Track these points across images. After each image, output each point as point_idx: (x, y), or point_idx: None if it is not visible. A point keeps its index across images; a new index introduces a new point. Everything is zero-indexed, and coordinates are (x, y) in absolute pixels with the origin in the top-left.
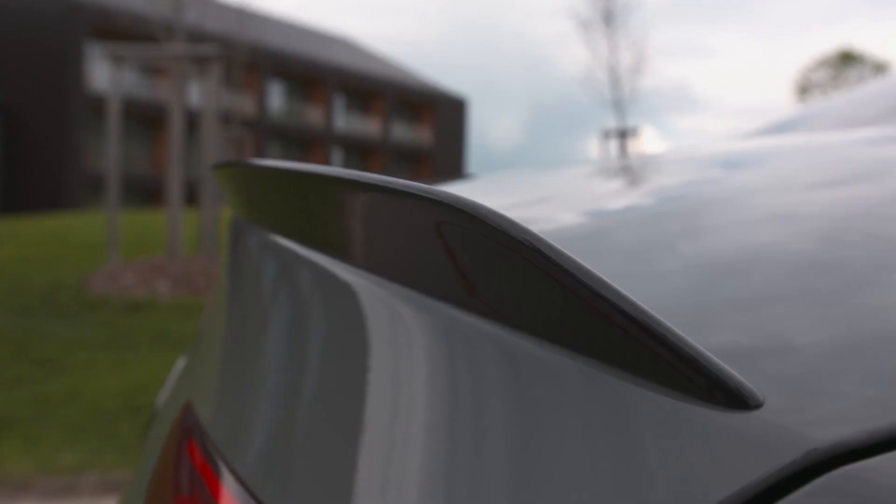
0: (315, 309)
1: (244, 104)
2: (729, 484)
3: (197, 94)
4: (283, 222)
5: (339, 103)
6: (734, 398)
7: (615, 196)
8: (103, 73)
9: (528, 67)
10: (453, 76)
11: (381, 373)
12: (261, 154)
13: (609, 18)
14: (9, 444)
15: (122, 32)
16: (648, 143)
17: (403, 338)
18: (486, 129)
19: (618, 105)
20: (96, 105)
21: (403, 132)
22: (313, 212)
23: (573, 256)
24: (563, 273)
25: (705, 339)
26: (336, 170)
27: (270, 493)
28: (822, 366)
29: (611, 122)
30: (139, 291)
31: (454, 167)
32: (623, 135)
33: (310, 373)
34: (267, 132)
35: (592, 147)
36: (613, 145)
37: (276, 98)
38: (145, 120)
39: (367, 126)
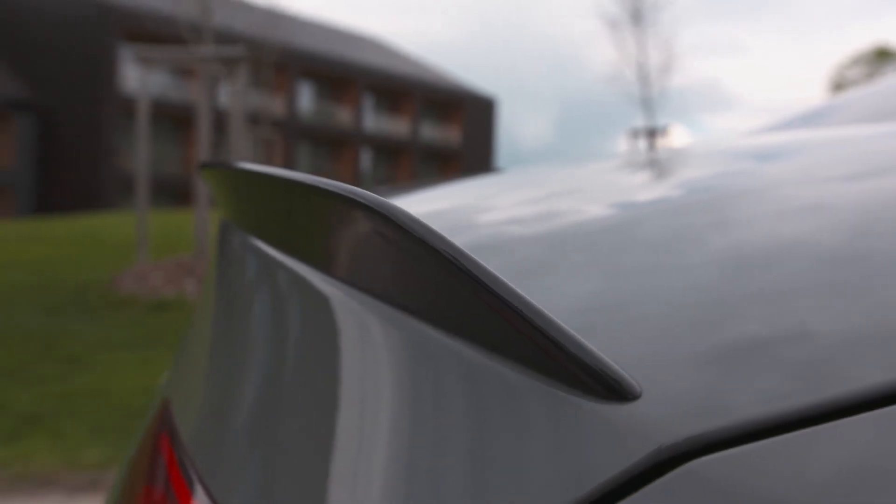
0: (284, 314)
1: (274, 105)
2: (596, 475)
3: (226, 95)
4: (260, 225)
5: (368, 103)
6: (612, 390)
7: (642, 188)
8: (135, 75)
9: (557, 66)
10: (482, 76)
11: (338, 379)
12: (290, 155)
13: (637, 17)
14: (36, 439)
15: (153, 35)
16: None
17: (367, 345)
18: (514, 129)
19: (646, 104)
20: (128, 106)
21: (432, 132)
22: (282, 216)
23: (463, 249)
24: (458, 268)
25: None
26: (289, 173)
27: (228, 493)
28: (730, 357)
29: (640, 121)
30: (167, 291)
31: (483, 167)
32: (652, 133)
33: (274, 376)
34: (296, 133)
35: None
36: (642, 144)
37: (306, 98)
38: (176, 120)
39: (396, 126)
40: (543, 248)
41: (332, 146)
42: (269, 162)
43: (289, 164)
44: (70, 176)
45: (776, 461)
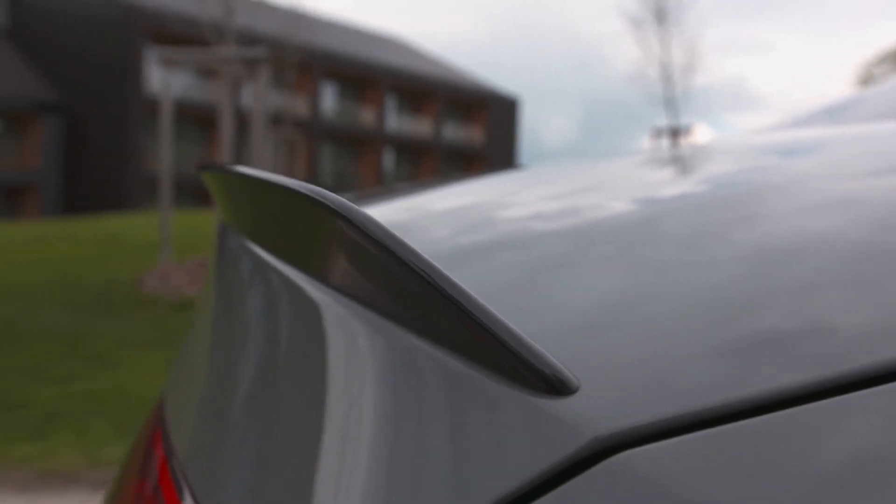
0: (271, 316)
1: (298, 105)
2: (529, 467)
3: (249, 95)
4: (252, 228)
5: (391, 104)
6: (550, 384)
7: (665, 184)
8: (160, 77)
9: (581, 66)
10: (505, 75)
11: (311, 381)
12: (313, 155)
13: (661, 16)
14: (60, 437)
15: (178, 36)
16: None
17: (352, 350)
18: (537, 128)
19: (670, 103)
20: (154, 107)
21: (455, 132)
22: (270, 219)
23: (410, 245)
24: (405, 264)
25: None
26: (270, 176)
27: (210, 490)
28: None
29: (663, 121)
30: (190, 290)
31: (506, 167)
32: (675, 133)
33: (258, 378)
34: (320, 133)
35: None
36: (665, 144)
37: (329, 99)
38: (200, 121)
39: (419, 126)
40: (557, 245)
41: (355, 146)
42: (291, 162)
43: (311, 165)
44: (96, 176)
45: (700, 455)
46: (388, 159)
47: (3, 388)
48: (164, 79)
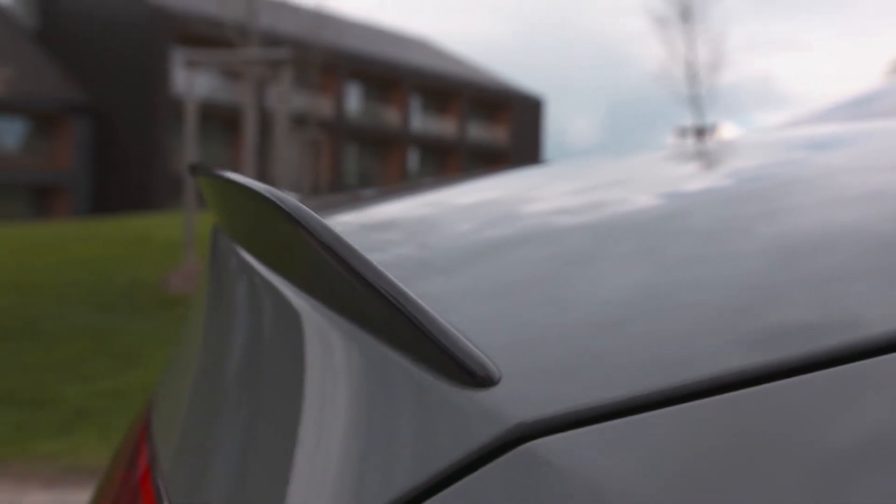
0: (250, 318)
1: (323, 106)
2: (445, 456)
3: (273, 96)
4: (237, 230)
5: (415, 104)
6: (472, 375)
7: (691, 179)
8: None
9: (605, 65)
10: (529, 75)
11: (290, 387)
12: (337, 155)
13: (686, 14)
14: (86, 433)
15: (203, 38)
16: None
17: (323, 355)
18: (562, 128)
19: (695, 102)
20: (180, 108)
21: (480, 132)
22: (248, 221)
23: (341, 236)
24: (341, 259)
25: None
26: (241, 178)
27: (178, 485)
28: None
29: (688, 120)
30: None
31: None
32: (700, 132)
33: (233, 380)
34: (345, 133)
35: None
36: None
37: (354, 99)
38: (226, 122)
39: (443, 126)
40: (575, 239)
41: (380, 147)
42: (316, 163)
43: (336, 165)
44: (123, 177)
45: (607, 444)
46: (413, 159)
47: (32, 385)
48: (188, 80)
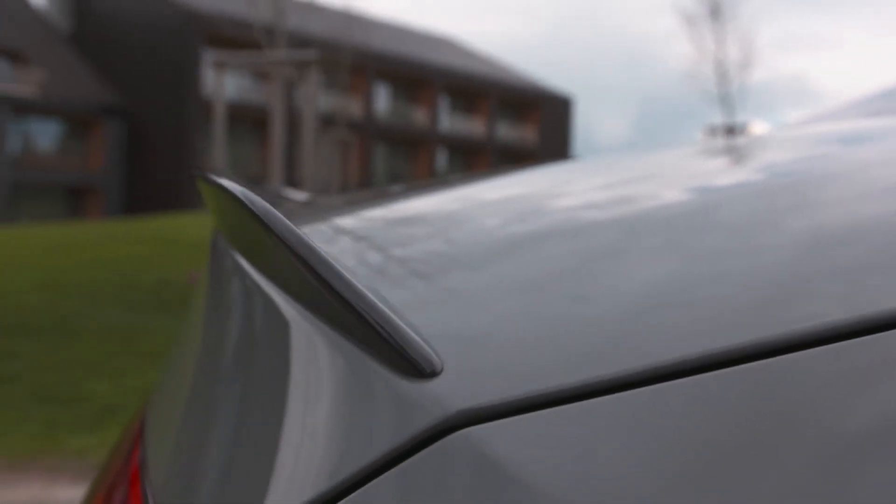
0: (238, 318)
1: (352, 106)
2: (381, 445)
3: (302, 97)
4: (230, 233)
5: (443, 104)
6: (414, 366)
7: (721, 173)
8: (213, 79)
9: (634, 64)
10: (558, 74)
11: (270, 390)
12: (366, 155)
13: (716, 12)
14: (113, 430)
15: (232, 39)
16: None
17: (299, 355)
18: (591, 127)
19: (725, 100)
20: (210, 109)
21: (508, 132)
22: (234, 223)
23: (304, 236)
24: (296, 253)
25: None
26: (220, 180)
27: (160, 483)
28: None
29: (718, 118)
30: None
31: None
32: (730, 130)
33: (212, 385)
34: (374, 133)
35: None
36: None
37: (383, 100)
38: (256, 122)
39: (471, 126)
40: (600, 234)
41: (409, 147)
42: (345, 163)
43: (365, 165)
44: (155, 177)
45: (539, 432)
46: (441, 159)
47: (63, 382)
48: (216, 81)
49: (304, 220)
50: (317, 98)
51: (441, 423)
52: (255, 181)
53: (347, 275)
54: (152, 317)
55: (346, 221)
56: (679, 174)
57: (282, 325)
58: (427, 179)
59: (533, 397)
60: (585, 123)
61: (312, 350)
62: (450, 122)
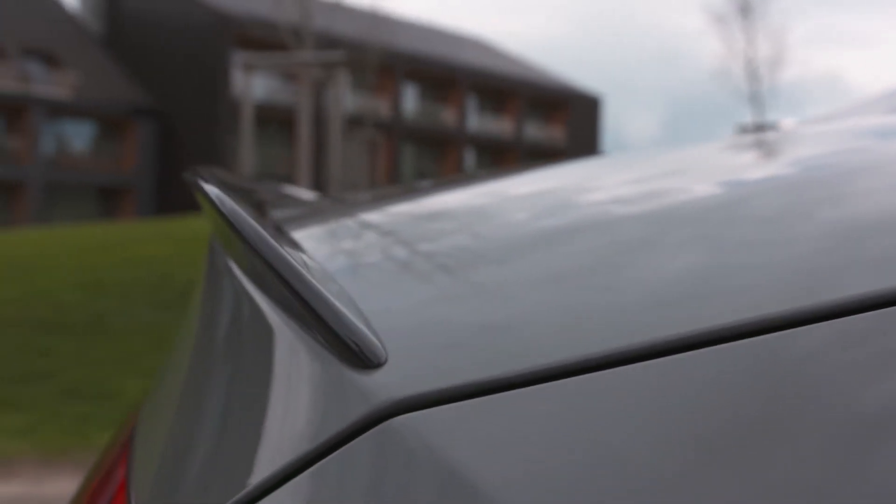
0: (227, 320)
1: (380, 107)
2: (323, 433)
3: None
4: (223, 238)
5: (472, 104)
6: (358, 356)
7: (751, 167)
8: (241, 80)
9: (664, 62)
10: (587, 73)
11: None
12: (394, 156)
13: (746, 10)
14: None
15: (262, 41)
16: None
17: (269, 352)
18: (620, 126)
19: (755, 99)
20: (240, 110)
21: (536, 131)
22: (218, 229)
23: (266, 234)
24: (255, 250)
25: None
26: (203, 181)
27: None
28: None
29: (749, 117)
30: None
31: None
32: (761, 129)
33: (193, 388)
34: (401, 134)
35: None
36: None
37: (411, 100)
38: (284, 123)
39: (500, 126)
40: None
41: (437, 147)
42: (373, 163)
43: (393, 165)
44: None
45: (472, 421)
46: (470, 159)
47: (94, 379)
48: (245, 83)
49: (303, 218)
50: (344, 98)
51: (377, 412)
52: (282, 181)
53: (303, 269)
54: (182, 316)
55: (346, 220)
56: (695, 169)
57: (258, 324)
58: (424, 180)
59: (469, 386)
60: (614, 123)
61: (285, 349)
62: (478, 122)
